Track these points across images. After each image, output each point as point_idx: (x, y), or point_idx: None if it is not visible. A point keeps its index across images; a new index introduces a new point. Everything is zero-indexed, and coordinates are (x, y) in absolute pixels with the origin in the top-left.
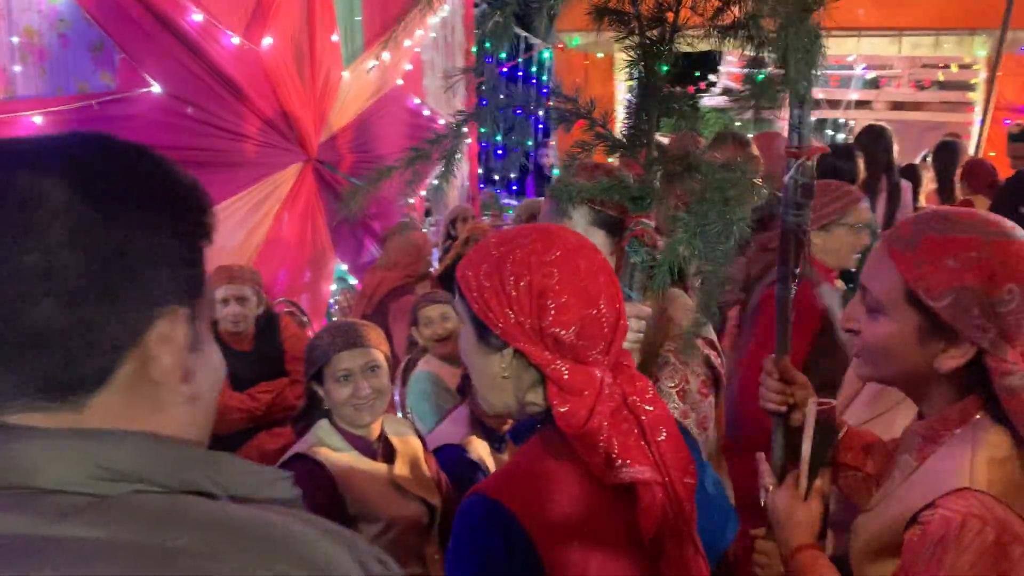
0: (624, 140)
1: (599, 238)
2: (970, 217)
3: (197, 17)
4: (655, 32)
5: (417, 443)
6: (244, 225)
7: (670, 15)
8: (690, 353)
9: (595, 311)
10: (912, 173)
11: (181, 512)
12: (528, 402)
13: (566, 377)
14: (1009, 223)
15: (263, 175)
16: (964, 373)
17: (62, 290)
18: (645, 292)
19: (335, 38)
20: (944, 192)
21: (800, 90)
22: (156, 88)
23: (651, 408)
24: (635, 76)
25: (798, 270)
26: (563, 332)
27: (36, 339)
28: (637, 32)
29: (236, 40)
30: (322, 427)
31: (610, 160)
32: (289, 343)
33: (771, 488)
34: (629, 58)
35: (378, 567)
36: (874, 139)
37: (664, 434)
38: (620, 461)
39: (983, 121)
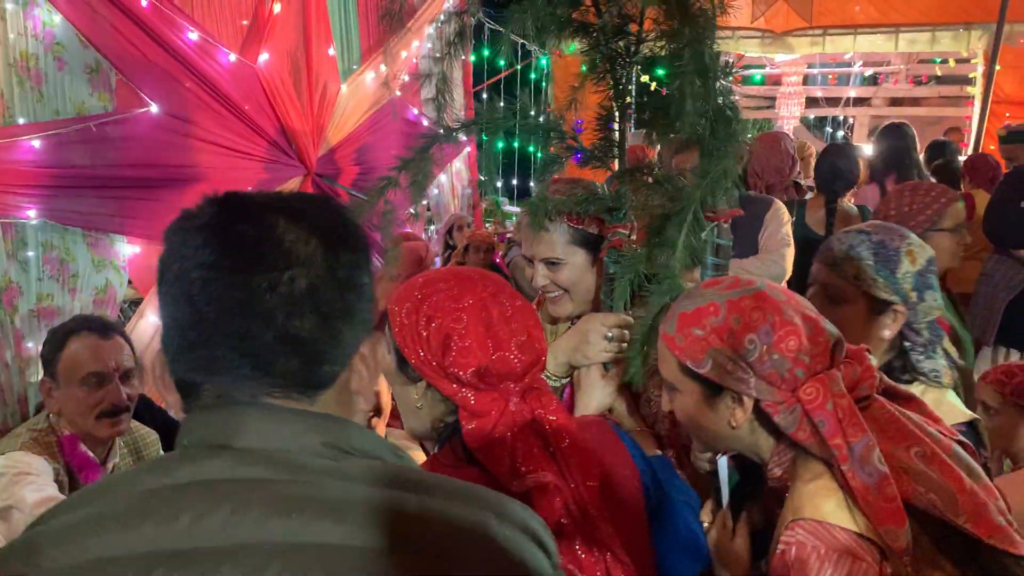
0: (595, 152)
1: (580, 257)
2: (711, 286)
3: (193, 36)
4: (620, 44)
5: (421, 458)
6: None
7: (634, 26)
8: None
9: (500, 355)
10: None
11: (399, 472)
12: (442, 425)
13: (472, 403)
14: (745, 280)
15: (263, 190)
16: (764, 423)
17: (320, 308)
18: (625, 303)
19: (332, 52)
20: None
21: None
22: (154, 108)
23: (554, 418)
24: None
25: None
26: (462, 373)
27: (297, 345)
28: (602, 43)
29: (232, 57)
30: None
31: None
32: None
33: (706, 527)
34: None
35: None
36: (904, 138)
37: (567, 441)
38: (524, 469)
39: (982, 115)
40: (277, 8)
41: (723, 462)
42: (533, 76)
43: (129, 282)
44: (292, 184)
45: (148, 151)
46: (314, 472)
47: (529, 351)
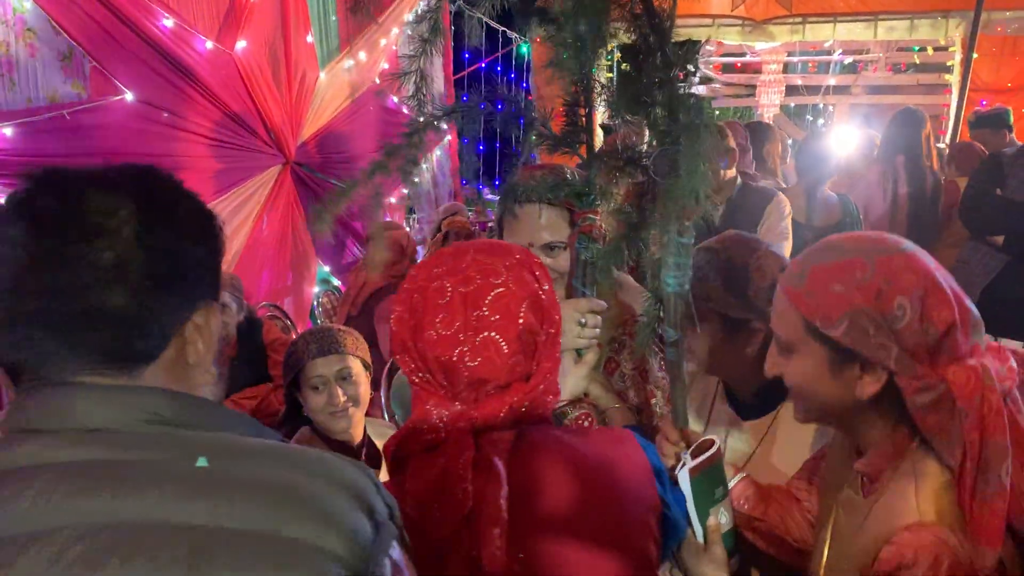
0: (563, 138)
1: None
2: (852, 240)
3: (168, 22)
4: (584, 26)
5: None
6: (223, 230)
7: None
8: (646, 337)
9: (462, 351)
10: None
11: (238, 444)
12: None
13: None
14: (893, 239)
15: (241, 179)
16: (889, 401)
17: (129, 281)
18: (596, 287)
19: (310, 39)
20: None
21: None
22: (128, 96)
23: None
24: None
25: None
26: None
27: (106, 318)
28: (565, 29)
29: (209, 44)
30: (304, 434)
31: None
32: (272, 348)
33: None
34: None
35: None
36: (916, 125)
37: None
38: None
39: (960, 102)
40: None
41: (684, 475)
42: (515, 64)
43: None
44: (271, 173)
45: (123, 139)
46: (129, 449)
47: (484, 359)
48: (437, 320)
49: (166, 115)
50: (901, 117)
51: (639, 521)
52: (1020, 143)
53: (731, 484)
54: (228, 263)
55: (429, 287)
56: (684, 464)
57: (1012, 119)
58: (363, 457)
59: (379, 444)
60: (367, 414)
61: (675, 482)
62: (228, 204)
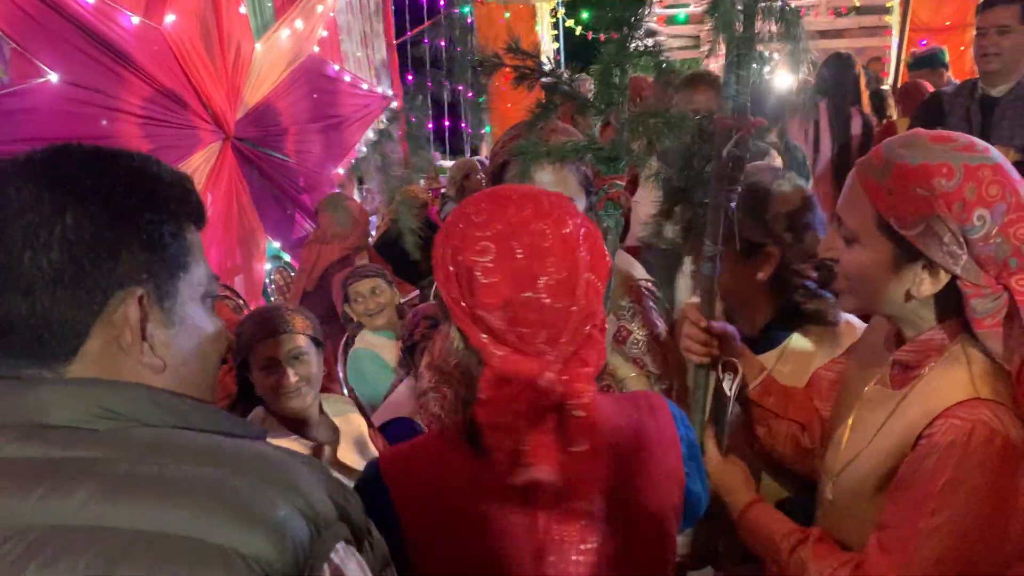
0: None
1: (583, 204)
2: (941, 140)
3: None
4: None
5: (360, 421)
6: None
7: None
8: (620, 304)
9: (528, 296)
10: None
11: (172, 441)
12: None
13: (496, 364)
14: (981, 145)
15: (180, 157)
16: (942, 298)
17: (19, 285)
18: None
19: (243, 10)
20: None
21: (736, 46)
22: (53, 77)
23: (583, 414)
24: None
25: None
26: (489, 316)
27: (8, 324)
28: None
29: (135, 20)
30: (257, 414)
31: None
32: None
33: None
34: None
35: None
36: (843, 68)
37: (588, 446)
38: (525, 461)
39: (900, 43)
40: None
41: (733, 389)
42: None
43: None
44: (211, 149)
45: (50, 124)
46: (69, 447)
47: (565, 295)
48: (548, 266)
49: (94, 95)
50: (829, 61)
51: (666, 495)
52: (957, 81)
53: (757, 380)
54: None
55: (522, 235)
56: (732, 382)
57: (948, 58)
58: (321, 436)
59: (337, 421)
60: (326, 389)
61: (725, 399)
62: None
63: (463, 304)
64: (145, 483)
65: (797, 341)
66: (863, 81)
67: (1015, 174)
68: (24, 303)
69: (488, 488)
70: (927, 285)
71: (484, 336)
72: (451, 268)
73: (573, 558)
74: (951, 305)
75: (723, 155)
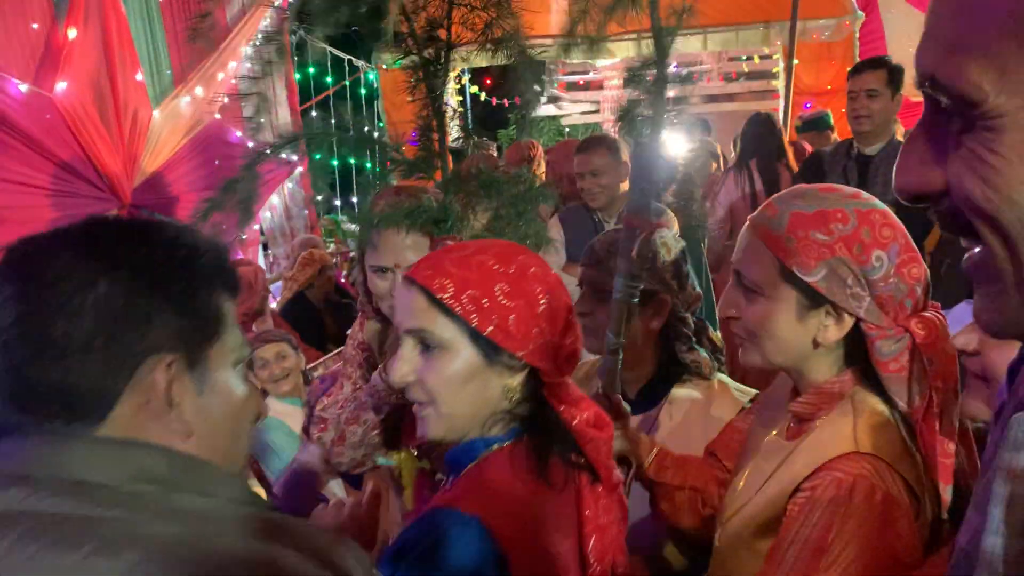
0: (416, 163)
1: None
2: (830, 191)
3: None
4: (431, 51)
5: (260, 492)
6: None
7: (442, 32)
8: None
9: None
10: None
11: (219, 513)
12: (498, 421)
13: (571, 392)
14: (866, 194)
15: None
16: (842, 348)
17: (52, 352)
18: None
19: (140, 77)
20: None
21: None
22: None
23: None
24: (432, 95)
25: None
26: (576, 347)
27: (39, 391)
28: (414, 52)
29: (24, 87)
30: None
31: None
32: None
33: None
34: (410, 78)
35: None
36: (766, 128)
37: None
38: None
39: (786, 106)
40: (72, 34)
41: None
42: (363, 91)
43: None
44: None
45: None
46: (109, 507)
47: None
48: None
49: None
50: (752, 121)
51: None
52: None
53: (649, 458)
54: None
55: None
56: (627, 475)
57: (832, 119)
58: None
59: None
60: None
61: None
62: None
63: (553, 342)
64: (195, 550)
65: (678, 391)
66: (785, 139)
67: (898, 219)
68: (56, 370)
69: (562, 515)
70: (832, 330)
71: (555, 369)
72: (540, 310)
73: None
74: (854, 352)
75: (631, 253)
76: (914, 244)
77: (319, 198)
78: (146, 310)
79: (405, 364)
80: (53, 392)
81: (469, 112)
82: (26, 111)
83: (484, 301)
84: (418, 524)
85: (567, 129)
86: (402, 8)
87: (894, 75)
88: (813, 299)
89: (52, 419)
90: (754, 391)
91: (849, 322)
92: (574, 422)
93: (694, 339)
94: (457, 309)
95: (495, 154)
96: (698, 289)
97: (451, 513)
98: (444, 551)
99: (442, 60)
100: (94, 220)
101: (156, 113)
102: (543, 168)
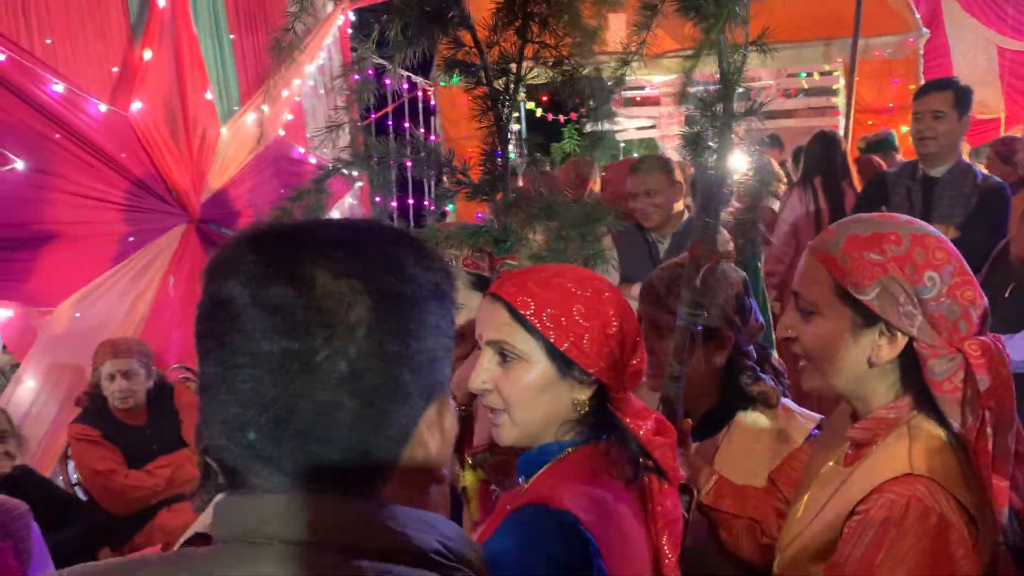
0: (481, 185)
1: (475, 301)
2: (889, 218)
3: (58, 88)
4: (501, 82)
5: None
6: (127, 295)
7: (513, 65)
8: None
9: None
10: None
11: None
12: (569, 429)
13: (633, 404)
14: (922, 222)
15: (144, 241)
16: (898, 371)
17: (361, 390)
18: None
19: (209, 96)
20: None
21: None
22: (19, 164)
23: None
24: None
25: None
26: (641, 367)
27: (333, 431)
28: (485, 82)
29: (103, 108)
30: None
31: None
32: (184, 412)
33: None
34: (479, 106)
35: None
36: (831, 146)
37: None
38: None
39: (846, 123)
40: (147, 55)
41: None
42: (420, 108)
43: (3, 347)
44: (175, 233)
45: (16, 209)
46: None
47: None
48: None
49: (60, 181)
50: (816, 139)
51: None
52: (904, 160)
53: (709, 484)
54: (134, 328)
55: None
56: (689, 502)
57: (897, 140)
58: None
59: None
60: None
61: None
62: (131, 268)
63: (619, 362)
64: None
65: (743, 416)
66: (850, 157)
67: (952, 247)
68: (363, 410)
69: (636, 511)
70: (886, 350)
71: (621, 386)
72: (612, 331)
73: None
74: (910, 376)
75: (694, 283)
76: (969, 269)
77: (377, 214)
78: (437, 350)
79: (484, 372)
80: (351, 434)
81: (524, 129)
82: (104, 130)
83: (562, 319)
84: (509, 524)
85: (623, 144)
86: (476, 42)
87: (961, 96)
88: (867, 318)
89: (328, 478)
90: (818, 416)
91: (902, 341)
92: (640, 432)
93: (758, 368)
94: (537, 325)
95: (549, 168)
96: (760, 320)
97: (542, 508)
98: (545, 546)
99: (511, 92)
100: (370, 236)
101: (223, 130)
102: (599, 186)
